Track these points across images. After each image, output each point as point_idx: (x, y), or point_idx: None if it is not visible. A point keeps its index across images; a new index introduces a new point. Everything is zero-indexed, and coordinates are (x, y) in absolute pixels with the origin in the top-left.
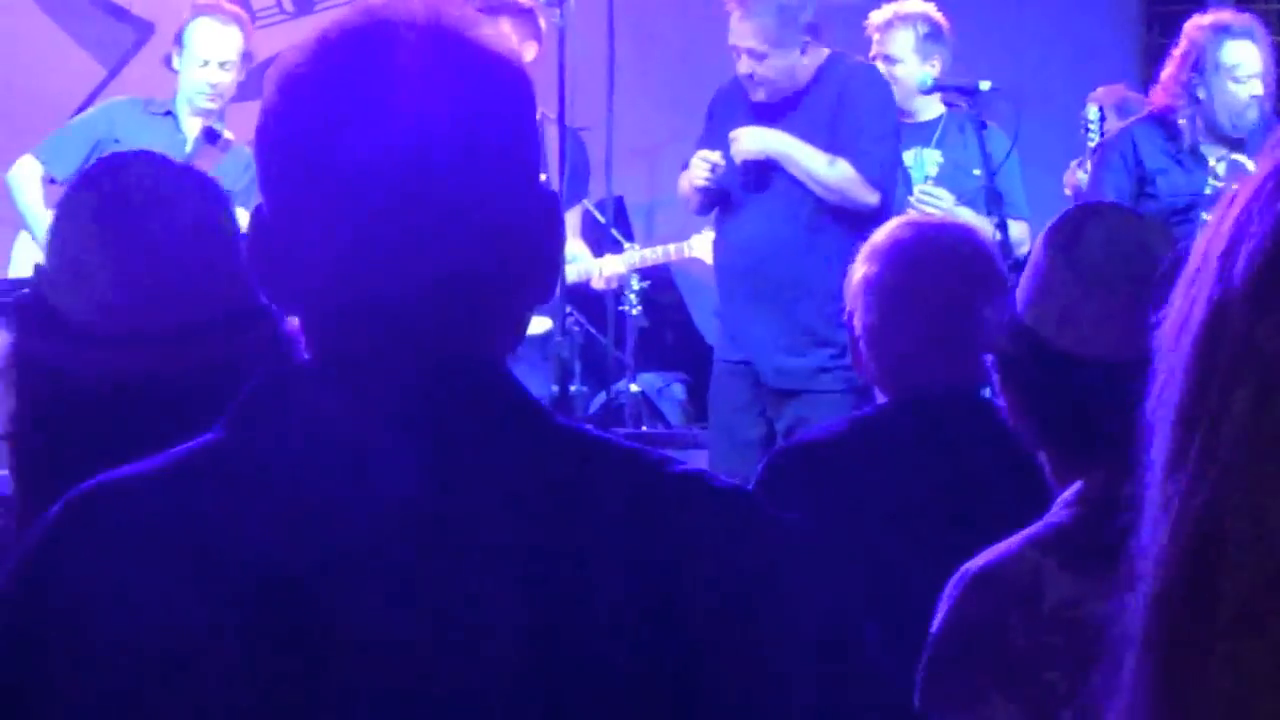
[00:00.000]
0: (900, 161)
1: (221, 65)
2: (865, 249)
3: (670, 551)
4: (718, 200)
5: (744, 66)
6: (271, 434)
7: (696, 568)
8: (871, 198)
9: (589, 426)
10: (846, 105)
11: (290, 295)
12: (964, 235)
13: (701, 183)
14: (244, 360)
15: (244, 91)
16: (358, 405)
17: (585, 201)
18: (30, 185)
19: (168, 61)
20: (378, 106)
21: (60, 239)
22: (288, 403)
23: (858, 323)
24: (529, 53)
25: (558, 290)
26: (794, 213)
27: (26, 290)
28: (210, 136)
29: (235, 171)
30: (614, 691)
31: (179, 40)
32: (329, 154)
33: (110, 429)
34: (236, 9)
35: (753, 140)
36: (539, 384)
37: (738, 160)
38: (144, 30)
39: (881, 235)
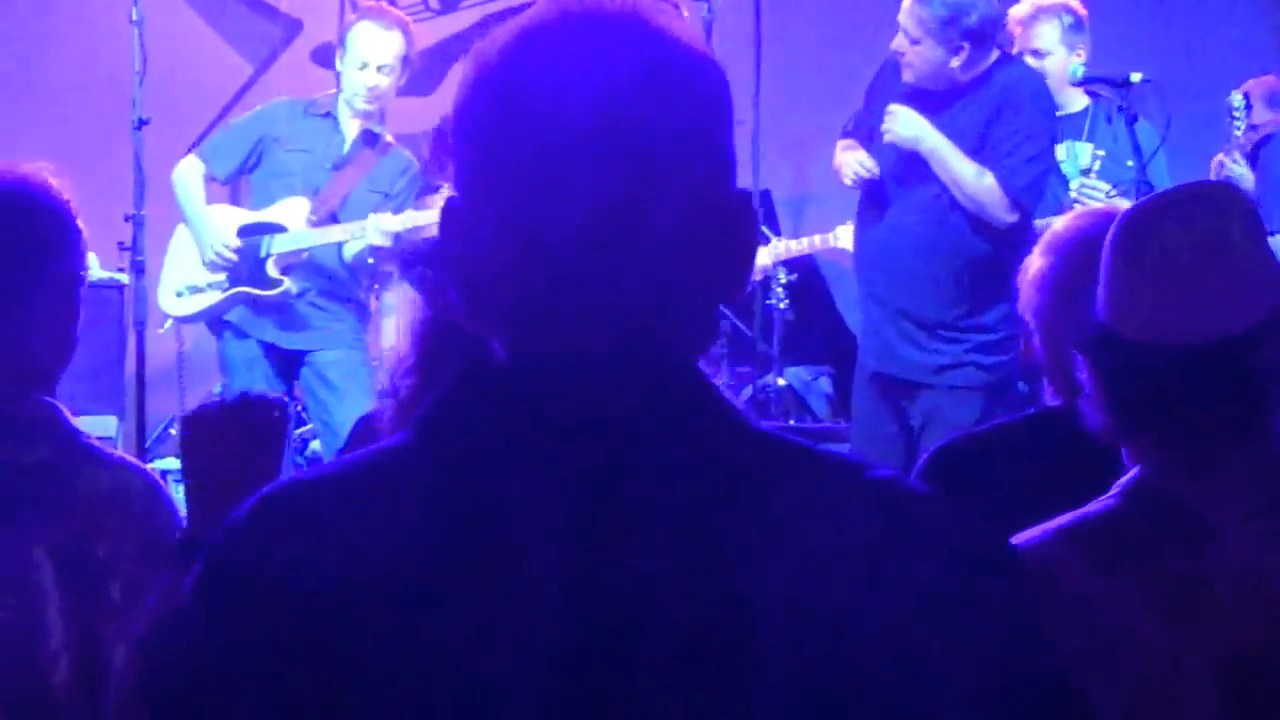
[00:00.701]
0: (1048, 174)
1: (380, 69)
2: (1044, 239)
3: (865, 557)
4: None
5: (896, 42)
6: (456, 435)
7: (891, 574)
8: (1010, 217)
9: (786, 431)
10: (1004, 117)
11: (480, 290)
12: None
13: (848, 181)
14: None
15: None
16: (541, 403)
17: None
18: (193, 184)
19: (314, 57)
20: (574, 96)
21: None
22: (473, 403)
23: (1031, 315)
24: None
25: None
26: (930, 209)
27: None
28: (369, 139)
29: (391, 175)
30: (782, 693)
31: (341, 42)
32: (525, 143)
33: None
34: (399, 14)
35: (908, 127)
36: None
37: (886, 139)
38: (292, 28)
39: (1062, 225)
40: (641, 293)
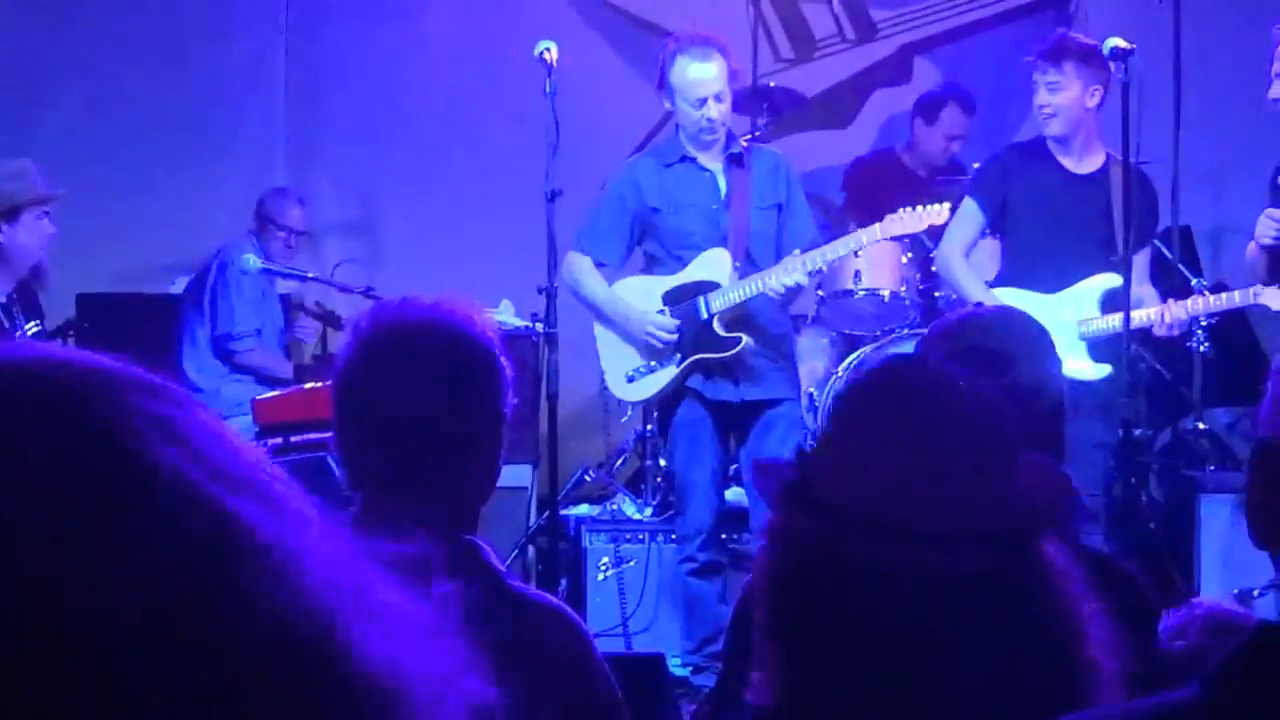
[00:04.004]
0: None
1: (717, 98)
2: None
3: None
4: None
5: (1274, 91)
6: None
7: None
8: None
9: None
10: None
11: None
12: None
13: (1268, 240)
14: (996, 578)
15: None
16: None
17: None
18: (588, 278)
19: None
20: None
21: (836, 428)
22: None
23: None
24: (1094, 99)
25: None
26: None
27: (793, 469)
28: (734, 161)
29: (770, 183)
30: None
31: (663, 83)
32: None
33: (861, 613)
34: (710, 35)
35: None
36: (1105, 430)
37: None
38: None
39: None
40: None
